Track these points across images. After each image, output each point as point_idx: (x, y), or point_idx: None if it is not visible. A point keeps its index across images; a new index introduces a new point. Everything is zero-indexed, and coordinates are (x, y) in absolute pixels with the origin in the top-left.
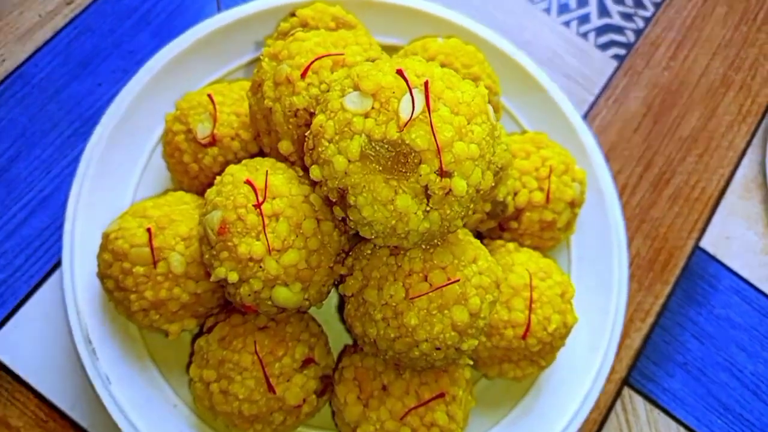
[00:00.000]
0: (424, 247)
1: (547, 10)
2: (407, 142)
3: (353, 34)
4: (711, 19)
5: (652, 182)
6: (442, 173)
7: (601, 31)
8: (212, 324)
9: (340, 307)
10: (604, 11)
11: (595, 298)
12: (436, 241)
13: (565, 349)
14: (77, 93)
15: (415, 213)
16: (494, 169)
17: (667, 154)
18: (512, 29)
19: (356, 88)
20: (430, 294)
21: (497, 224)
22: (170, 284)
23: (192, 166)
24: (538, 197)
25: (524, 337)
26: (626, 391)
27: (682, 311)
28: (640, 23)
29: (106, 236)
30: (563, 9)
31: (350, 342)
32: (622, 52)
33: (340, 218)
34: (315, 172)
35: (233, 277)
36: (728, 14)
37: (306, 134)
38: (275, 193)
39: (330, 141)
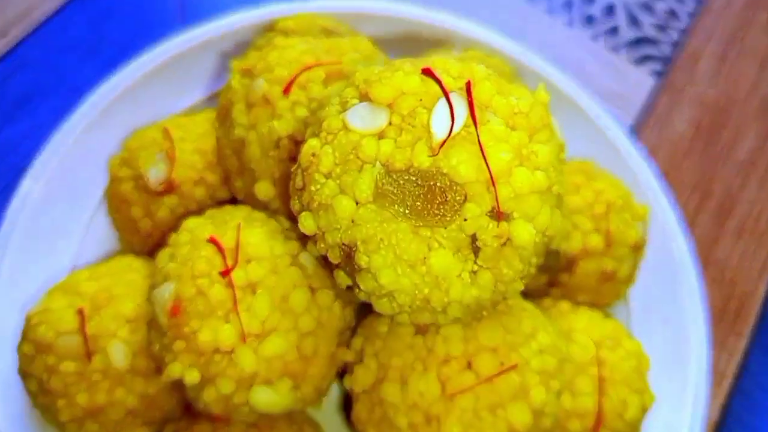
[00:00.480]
0: (464, 321)
1: (569, 24)
2: (445, 171)
3: (351, 42)
4: (753, 27)
5: (712, 215)
6: (498, 215)
7: (633, 45)
8: None
9: (346, 406)
10: (633, 22)
11: (667, 364)
12: (483, 313)
13: None
14: (11, 138)
15: (459, 276)
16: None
17: (725, 180)
18: (530, 45)
19: (364, 97)
20: (477, 388)
21: (546, 281)
22: (111, 384)
23: (143, 222)
24: (596, 241)
25: (595, 430)
26: None
27: (764, 370)
28: (675, 35)
29: (27, 321)
30: (588, 21)
31: None
32: (658, 67)
33: (344, 287)
34: (307, 223)
35: (193, 376)
36: None
37: (292, 170)
38: (251, 254)
39: (328, 176)
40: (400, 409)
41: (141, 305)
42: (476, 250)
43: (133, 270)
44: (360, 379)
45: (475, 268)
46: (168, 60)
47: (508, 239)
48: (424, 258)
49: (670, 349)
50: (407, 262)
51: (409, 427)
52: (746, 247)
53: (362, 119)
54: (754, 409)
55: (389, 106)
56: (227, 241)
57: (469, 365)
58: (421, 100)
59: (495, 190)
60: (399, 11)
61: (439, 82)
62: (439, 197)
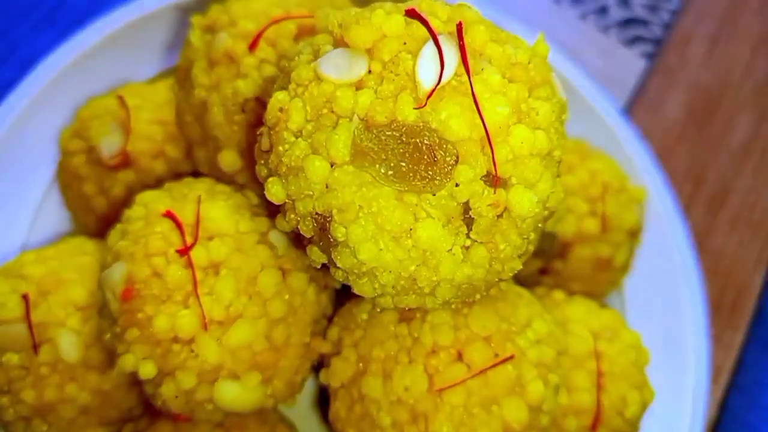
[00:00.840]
0: (454, 306)
1: (557, 1)
2: (433, 126)
3: None
4: (745, 9)
5: (705, 203)
6: (495, 180)
7: (622, 25)
8: None
9: (322, 403)
10: (623, 2)
11: (664, 360)
12: (476, 296)
13: None
14: None
15: (450, 251)
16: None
17: (718, 168)
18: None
19: (339, 43)
20: (469, 382)
21: (539, 267)
22: (60, 379)
23: (97, 200)
24: (591, 225)
25: (594, 428)
26: None
27: (761, 365)
28: (666, 16)
29: None
30: (576, 0)
31: None
32: (649, 49)
33: (319, 265)
34: (275, 189)
35: (148, 370)
36: (765, 5)
37: (258, 132)
38: (213, 231)
39: (298, 134)
40: (383, 405)
41: (94, 292)
42: (469, 222)
43: (84, 252)
44: (338, 373)
45: (468, 242)
46: (125, 26)
47: (506, 209)
48: (410, 229)
49: (668, 342)
50: (390, 234)
51: (393, 426)
52: (741, 238)
53: (337, 68)
54: (751, 406)
55: (368, 51)
56: (186, 216)
57: (460, 356)
58: (405, 44)
59: (492, 150)
60: None
61: (425, 23)
62: (426, 157)
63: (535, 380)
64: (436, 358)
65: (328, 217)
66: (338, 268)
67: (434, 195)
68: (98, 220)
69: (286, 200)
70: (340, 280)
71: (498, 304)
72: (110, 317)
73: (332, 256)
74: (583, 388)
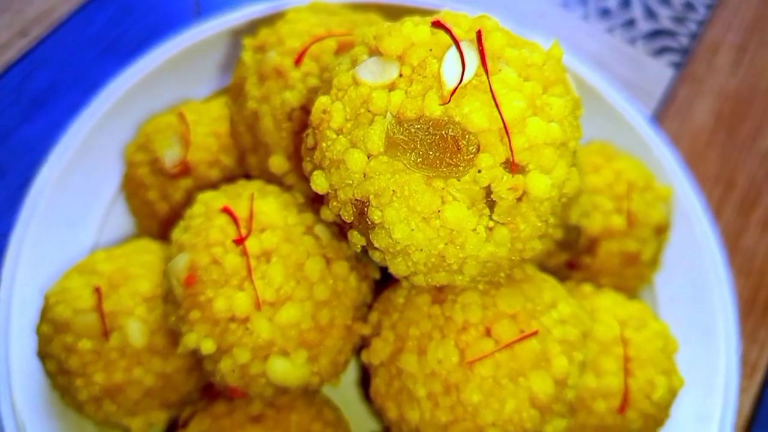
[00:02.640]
0: (481, 287)
1: (585, 17)
2: (457, 120)
3: (363, 16)
4: None
5: (736, 205)
6: (513, 166)
7: (650, 36)
8: (189, 415)
9: (364, 383)
10: (650, 15)
11: (696, 351)
12: (500, 276)
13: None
14: (29, 136)
15: (474, 230)
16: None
17: (748, 171)
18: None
19: (374, 52)
20: (497, 355)
21: (566, 260)
22: (128, 363)
23: (159, 206)
24: (617, 221)
25: (621, 410)
26: None
27: None
28: (693, 26)
29: (46, 301)
30: (603, 14)
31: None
32: (677, 59)
33: (360, 248)
34: (319, 181)
35: (208, 346)
36: None
37: (304, 133)
38: (265, 223)
39: (339, 132)
40: (419, 379)
41: (158, 285)
42: (491, 204)
43: (149, 251)
44: (378, 351)
45: (491, 224)
46: (183, 51)
47: (524, 193)
48: (438, 211)
49: (699, 336)
50: (420, 215)
51: (428, 398)
52: None
53: (372, 73)
54: None
55: (399, 58)
56: (241, 211)
57: (488, 332)
58: (431, 50)
59: (509, 139)
60: (416, 2)
61: (449, 31)
62: (451, 146)
63: (559, 356)
64: (466, 334)
65: (366, 202)
66: (376, 249)
67: (459, 180)
68: (160, 224)
69: (329, 190)
70: (378, 261)
71: (524, 286)
72: (174, 303)
73: (370, 238)
74: (611, 372)
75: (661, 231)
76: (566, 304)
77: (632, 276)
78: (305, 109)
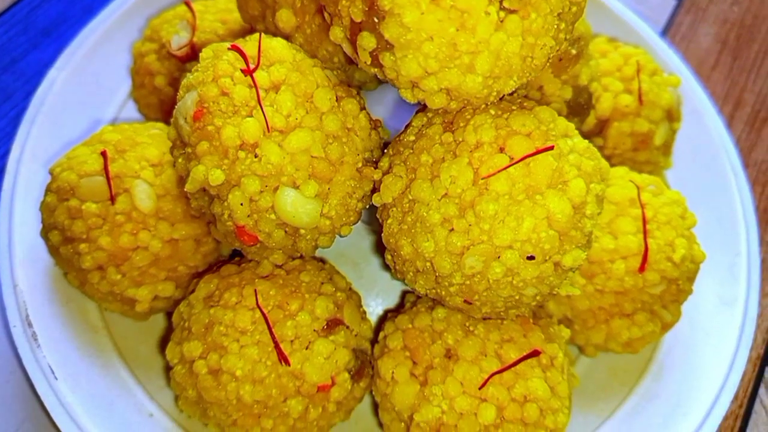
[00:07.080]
0: (493, 112)
1: None
2: None
3: None
4: None
5: (747, 122)
6: None
7: None
8: (197, 282)
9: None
10: None
11: (716, 238)
12: (514, 79)
13: (687, 307)
14: (37, 62)
15: (486, 12)
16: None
17: (757, 90)
18: None
19: None
20: (512, 171)
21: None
22: (134, 227)
23: (166, 91)
24: (627, 100)
25: (641, 269)
26: None
27: None
28: None
29: (51, 174)
30: None
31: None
32: None
33: (371, 50)
34: None
35: (217, 175)
36: None
37: None
38: (274, 58)
39: None
40: (432, 204)
41: (165, 152)
42: None
43: (157, 128)
44: (389, 187)
45: (503, 15)
46: None
47: None
48: None
49: (719, 225)
50: None
51: (443, 224)
52: None
53: None
54: None
55: None
56: (249, 49)
57: (502, 150)
58: None
59: None
60: None
61: None
62: None
63: (576, 179)
64: (479, 151)
65: None
66: (388, 44)
67: None
68: (167, 114)
69: None
70: (389, 67)
71: (537, 109)
72: (182, 145)
73: (380, 29)
74: (629, 232)
75: (672, 117)
76: (580, 139)
77: (644, 160)
78: None
